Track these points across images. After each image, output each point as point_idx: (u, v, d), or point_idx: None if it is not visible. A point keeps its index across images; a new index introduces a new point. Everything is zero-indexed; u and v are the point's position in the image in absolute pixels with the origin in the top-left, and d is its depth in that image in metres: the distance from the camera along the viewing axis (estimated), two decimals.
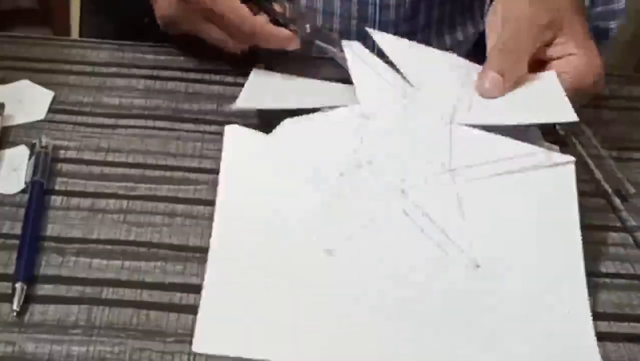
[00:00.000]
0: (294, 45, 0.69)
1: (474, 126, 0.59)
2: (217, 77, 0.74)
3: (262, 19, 0.70)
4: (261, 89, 0.68)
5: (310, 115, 0.61)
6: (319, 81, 0.70)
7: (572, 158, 0.58)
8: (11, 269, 0.52)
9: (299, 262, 0.53)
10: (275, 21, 0.70)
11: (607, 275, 0.57)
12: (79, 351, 0.48)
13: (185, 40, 0.78)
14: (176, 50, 0.77)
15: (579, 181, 0.66)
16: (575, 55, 0.60)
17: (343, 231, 0.55)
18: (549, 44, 0.60)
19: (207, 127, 0.68)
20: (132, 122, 0.67)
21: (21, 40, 0.77)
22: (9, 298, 0.50)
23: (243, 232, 0.55)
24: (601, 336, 0.53)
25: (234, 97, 0.67)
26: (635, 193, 0.65)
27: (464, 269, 0.52)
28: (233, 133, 0.60)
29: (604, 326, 0.54)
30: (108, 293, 0.52)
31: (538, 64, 0.62)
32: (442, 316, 0.51)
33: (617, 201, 0.64)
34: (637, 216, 0.63)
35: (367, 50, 0.68)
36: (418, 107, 0.60)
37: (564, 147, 0.70)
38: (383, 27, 0.85)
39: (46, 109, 0.68)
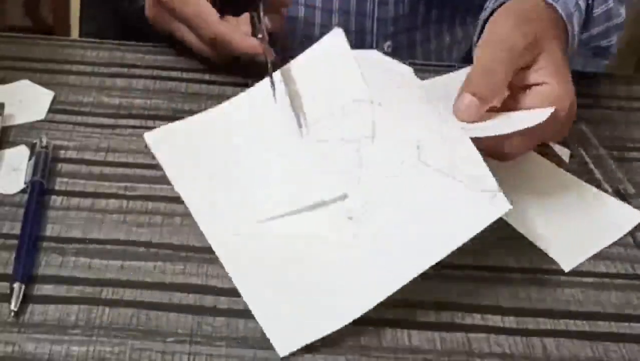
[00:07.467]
0: (258, 52, 0.68)
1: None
2: (217, 77, 0.74)
3: (231, 27, 0.69)
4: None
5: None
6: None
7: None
8: (11, 270, 0.52)
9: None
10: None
11: (607, 275, 0.57)
12: (78, 351, 0.48)
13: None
14: (176, 50, 0.77)
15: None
16: (548, 85, 0.60)
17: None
18: (528, 67, 0.61)
19: None
20: (132, 122, 0.67)
21: (21, 40, 0.77)
22: (8, 298, 0.50)
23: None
24: (601, 336, 0.53)
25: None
26: (635, 193, 0.65)
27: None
28: (154, 137, 0.62)
29: (604, 326, 0.54)
30: (108, 293, 0.52)
31: (514, 89, 0.62)
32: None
33: None
34: None
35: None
36: (383, 139, 0.60)
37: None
38: (382, 24, 0.85)
39: (46, 109, 0.68)
